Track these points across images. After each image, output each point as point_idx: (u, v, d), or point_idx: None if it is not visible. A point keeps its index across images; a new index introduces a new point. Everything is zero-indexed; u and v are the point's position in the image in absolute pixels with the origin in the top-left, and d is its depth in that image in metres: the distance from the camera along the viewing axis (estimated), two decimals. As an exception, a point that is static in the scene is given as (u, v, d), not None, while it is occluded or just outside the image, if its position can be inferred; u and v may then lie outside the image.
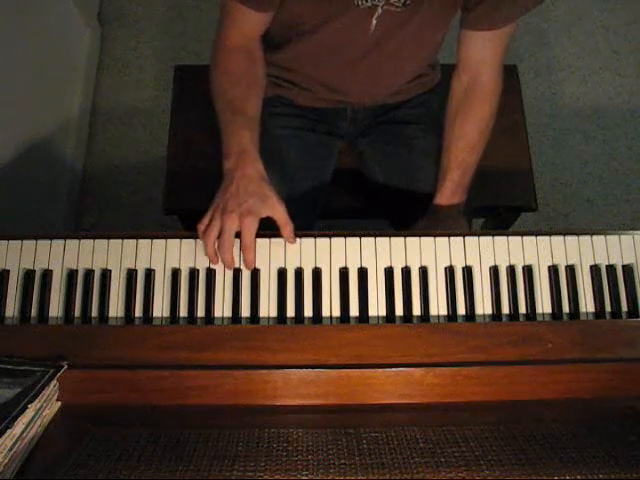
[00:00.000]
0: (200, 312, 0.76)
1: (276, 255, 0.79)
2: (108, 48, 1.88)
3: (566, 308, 0.78)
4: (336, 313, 0.76)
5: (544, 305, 0.78)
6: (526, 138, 1.23)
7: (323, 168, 1.10)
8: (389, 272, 0.78)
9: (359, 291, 0.77)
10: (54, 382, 0.65)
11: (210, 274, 0.77)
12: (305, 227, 0.88)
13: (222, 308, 0.76)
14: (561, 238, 0.80)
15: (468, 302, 0.77)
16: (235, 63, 0.90)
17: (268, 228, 0.78)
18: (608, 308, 0.79)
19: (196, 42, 1.89)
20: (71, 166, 1.65)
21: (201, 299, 0.76)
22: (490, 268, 0.79)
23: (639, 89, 1.89)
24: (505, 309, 0.78)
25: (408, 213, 1.02)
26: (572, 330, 0.73)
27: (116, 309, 0.76)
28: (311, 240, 0.79)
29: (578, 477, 0.54)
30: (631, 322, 0.77)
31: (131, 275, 0.77)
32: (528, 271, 0.79)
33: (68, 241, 0.78)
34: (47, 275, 0.77)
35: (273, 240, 0.79)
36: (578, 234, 0.81)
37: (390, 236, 0.80)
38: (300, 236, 0.79)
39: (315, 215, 1.09)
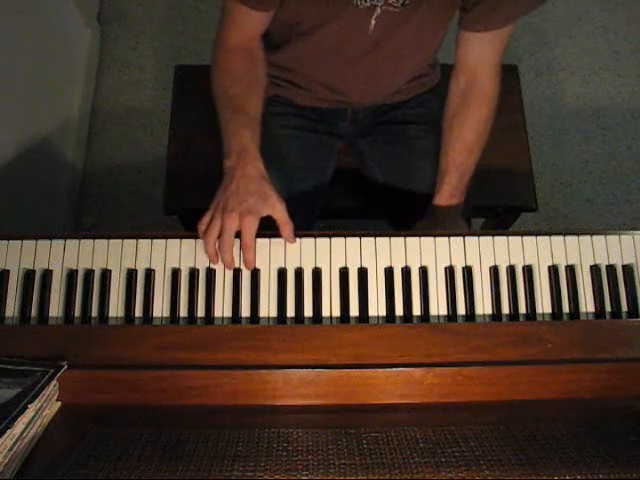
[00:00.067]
0: (200, 312, 0.76)
1: (276, 255, 0.79)
2: (108, 48, 1.88)
3: (566, 308, 0.78)
4: (336, 313, 0.76)
5: (544, 305, 0.78)
6: (526, 138, 1.23)
7: (323, 168, 1.10)
8: (389, 272, 0.78)
9: (359, 291, 0.77)
10: (54, 382, 0.65)
11: (210, 274, 0.77)
12: (305, 227, 0.88)
13: (222, 308, 0.76)
14: (561, 238, 0.80)
15: (468, 302, 0.77)
16: (236, 62, 0.90)
17: (268, 228, 0.78)
18: (608, 308, 0.79)
19: (196, 42, 1.89)
20: (71, 166, 1.65)
21: (201, 299, 0.76)
22: (490, 268, 0.79)
23: (639, 89, 1.89)
24: (505, 309, 0.78)
25: (408, 213, 1.02)
26: (572, 330, 0.73)
27: (116, 309, 0.76)
28: (311, 240, 0.79)
29: (578, 477, 0.54)
30: (631, 322, 0.77)
31: (131, 275, 0.77)
32: (528, 271, 0.79)
33: (68, 241, 0.78)
34: (47, 275, 0.77)
35: (273, 240, 0.79)
36: (578, 234, 0.81)
37: (390, 236, 0.80)
38: (300, 236, 0.79)
39: (315, 215, 1.09)
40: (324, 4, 0.85)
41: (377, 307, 0.77)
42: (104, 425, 0.63)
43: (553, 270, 0.79)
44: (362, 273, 0.78)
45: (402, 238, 0.80)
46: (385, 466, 0.56)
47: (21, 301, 0.76)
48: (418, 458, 0.57)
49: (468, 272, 0.78)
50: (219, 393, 0.68)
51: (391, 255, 0.79)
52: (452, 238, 0.80)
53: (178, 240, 0.79)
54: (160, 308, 0.76)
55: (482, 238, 0.80)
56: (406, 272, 0.78)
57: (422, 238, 0.80)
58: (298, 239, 0.79)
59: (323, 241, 0.79)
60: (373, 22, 0.88)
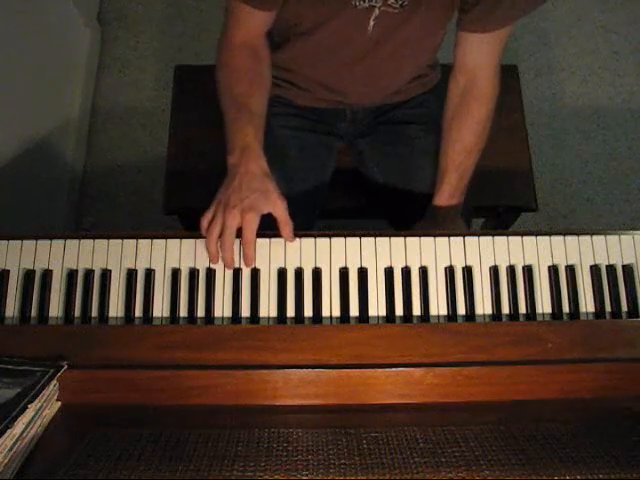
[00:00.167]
0: (200, 312, 0.76)
1: (276, 255, 0.79)
2: (108, 48, 1.88)
3: (566, 308, 0.78)
4: (336, 313, 0.76)
5: (544, 305, 0.78)
6: (526, 138, 1.23)
7: (322, 168, 1.10)
8: (389, 272, 0.78)
9: (359, 291, 0.77)
10: (54, 382, 0.65)
11: (210, 274, 0.77)
12: (305, 227, 0.89)
13: (222, 308, 0.76)
14: (561, 238, 0.80)
15: (468, 302, 0.77)
16: (240, 61, 0.90)
17: (268, 228, 0.78)
18: (608, 308, 0.79)
19: (196, 42, 1.89)
20: (71, 166, 1.65)
21: (201, 299, 0.76)
22: (490, 268, 0.79)
23: (639, 89, 1.89)
24: (505, 309, 0.78)
25: (407, 213, 1.02)
26: (572, 330, 0.73)
27: (116, 309, 0.76)
28: (311, 240, 0.79)
29: (578, 477, 0.54)
30: (631, 322, 0.77)
31: (131, 275, 0.77)
32: (528, 271, 0.79)
33: (68, 241, 0.78)
34: (47, 275, 0.77)
35: (273, 240, 0.79)
36: (578, 234, 0.81)
37: (390, 236, 0.80)
38: (300, 236, 0.79)
39: (314, 215, 1.09)
40: (322, 5, 0.85)
41: (377, 307, 0.77)
42: (104, 425, 0.63)
43: (553, 270, 0.79)
44: (362, 273, 0.78)
45: (402, 238, 0.80)
46: (385, 466, 0.56)
47: (21, 301, 0.76)
48: (418, 458, 0.57)
49: (468, 272, 0.78)
50: (219, 393, 0.68)
51: (391, 255, 0.79)
52: (452, 238, 0.80)
53: (178, 240, 0.79)
54: (160, 308, 0.76)
55: (482, 238, 0.80)
56: (406, 272, 0.78)
57: (422, 238, 0.80)
58: (298, 239, 0.79)
59: (323, 241, 0.79)
60: (372, 23, 0.88)
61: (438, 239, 0.80)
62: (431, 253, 0.79)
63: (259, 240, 0.77)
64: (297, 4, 0.86)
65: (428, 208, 0.98)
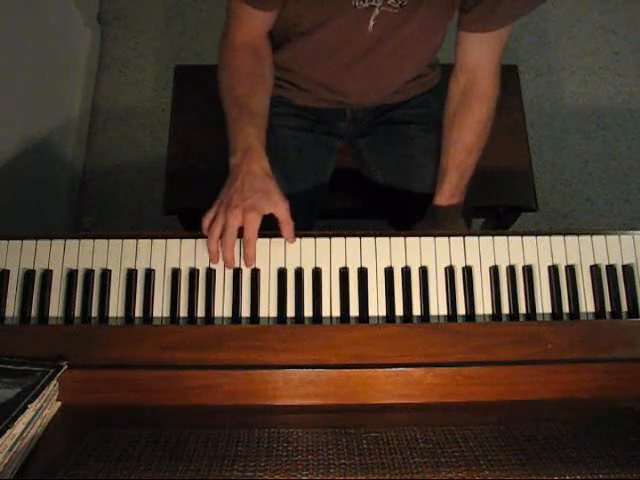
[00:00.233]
0: (200, 312, 0.76)
1: (276, 255, 0.79)
2: (108, 48, 1.88)
3: (566, 308, 0.78)
4: (336, 313, 0.76)
5: (544, 305, 0.78)
6: (526, 138, 1.23)
7: (322, 168, 1.10)
8: (389, 272, 0.78)
9: (359, 291, 0.77)
10: (54, 382, 0.65)
11: (210, 274, 0.77)
12: (305, 227, 0.89)
13: (222, 308, 0.76)
14: (561, 238, 0.80)
15: (468, 302, 0.77)
16: (241, 61, 0.90)
17: (268, 228, 0.78)
18: (608, 308, 0.79)
19: (196, 42, 1.89)
20: (71, 166, 1.65)
21: (201, 299, 0.76)
22: (490, 268, 0.79)
23: (639, 89, 1.89)
24: (505, 309, 0.78)
25: (407, 213, 1.02)
26: (572, 330, 0.73)
27: (116, 309, 0.76)
28: (311, 240, 0.79)
29: (578, 477, 0.54)
30: (631, 322, 0.77)
31: (131, 275, 0.77)
32: (528, 271, 0.79)
33: (68, 241, 0.78)
34: (47, 275, 0.77)
35: (273, 240, 0.79)
36: (578, 234, 0.81)
37: (390, 236, 0.80)
38: (300, 236, 0.79)
39: (314, 215, 1.09)
40: (322, 5, 0.85)
41: (377, 307, 0.77)
42: (104, 425, 0.63)
43: (553, 270, 0.79)
44: (362, 273, 0.78)
45: (402, 238, 0.80)
46: (385, 466, 0.56)
47: (21, 301, 0.76)
48: (418, 458, 0.57)
49: (468, 272, 0.78)
50: (219, 393, 0.68)
51: (391, 255, 0.79)
52: (452, 238, 0.80)
53: (178, 240, 0.79)
54: (160, 308, 0.76)
55: (482, 238, 0.80)
56: (406, 272, 0.78)
57: (422, 238, 0.80)
58: (298, 239, 0.79)
59: (323, 241, 0.79)
60: (372, 23, 0.88)
61: (438, 239, 0.80)
62: (431, 253, 0.79)
63: (259, 240, 0.77)
64: (297, 4, 0.86)
65: (428, 208, 0.98)
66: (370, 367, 0.69)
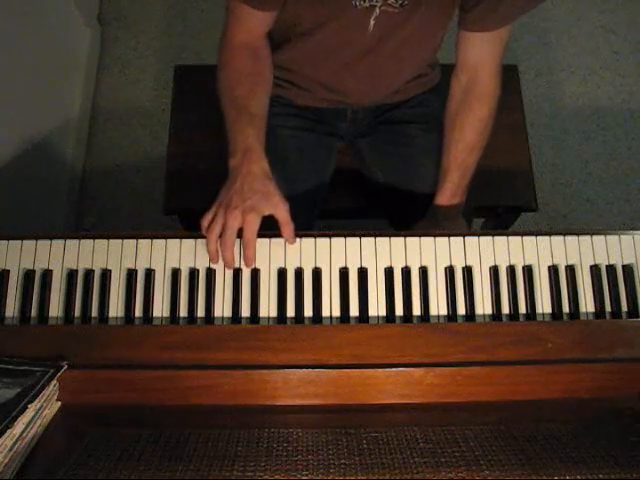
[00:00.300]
0: (200, 312, 0.76)
1: (276, 255, 0.79)
2: (108, 48, 1.88)
3: (566, 308, 0.78)
4: (336, 313, 0.76)
5: (544, 305, 0.78)
6: (526, 138, 1.23)
7: (323, 168, 1.10)
8: (389, 272, 0.78)
9: (359, 291, 0.77)
10: (54, 382, 0.65)
11: (210, 274, 0.77)
12: (305, 227, 0.89)
13: (222, 308, 0.76)
14: (561, 238, 0.80)
15: (468, 302, 0.77)
16: (240, 61, 0.90)
17: (268, 228, 0.78)
18: (608, 308, 0.79)
19: (196, 42, 1.89)
20: (71, 166, 1.65)
21: (201, 299, 0.76)
22: (490, 268, 0.79)
23: (639, 89, 1.89)
24: (505, 309, 0.78)
25: (408, 213, 1.02)
26: (572, 330, 0.73)
27: (116, 309, 0.76)
28: (311, 240, 0.79)
29: (578, 477, 0.54)
30: (631, 322, 0.77)
31: (131, 275, 0.77)
32: (528, 271, 0.79)
33: (68, 241, 0.78)
34: (47, 275, 0.76)
35: (273, 240, 0.79)
36: (578, 234, 0.81)
37: (390, 236, 0.80)
38: (300, 236, 0.79)
39: (314, 215, 1.09)
40: (322, 5, 0.85)
41: (377, 307, 0.77)
42: (104, 425, 0.63)
43: (553, 270, 0.79)
44: (362, 273, 0.78)
45: (402, 238, 0.80)
46: (385, 466, 0.56)
47: (21, 301, 0.76)
48: (418, 458, 0.57)
49: (468, 272, 0.78)
50: (219, 393, 0.68)
51: (391, 255, 0.79)
52: (452, 238, 0.80)
53: (178, 240, 0.79)
54: (160, 308, 0.76)
55: (482, 238, 0.80)
56: (406, 272, 0.78)
57: (422, 238, 0.80)
58: (298, 239, 0.79)
59: (323, 241, 0.79)
60: (372, 23, 0.88)
61: (438, 239, 0.80)
62: (431, 253, 0.79)
63: (259, 240, 0.77)
64: (297, 5, 0.86)
65: (430, 207, 0.98)
66: (370, 367, 0.69)
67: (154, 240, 0.78)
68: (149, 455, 0.57)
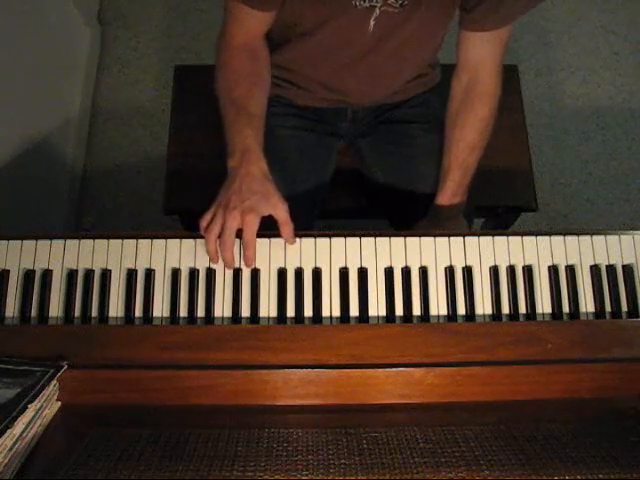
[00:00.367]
0: (200, 312, 0.76)
1: (276, 255, 0.78)
2: (108, 48, 1.88)
3: (566, 308, 0.78)
4: (336, 313, 0.76)
5: (544, 305, 0.78)
6: (526, 138, 1.23)
7: (323, 168, 1.10)
8: (389, 272, 0.78)
9: (359, 291, 0.77)
10: (54, 382, 0.65)
11: (210, 274, 0.77)
12: (305, 227, 0.89)
13: (222, 308, 0.76)
14: (561, 238, 0.80)
15: (468, 302, 0.77)
16: (239, 62, 0.90)
17: (268, 228, 0.78)
18: (608, 308, 0.79)
19: (196, 42, 1.89)
20: (71, 166, 1.65)
21: (201, 299, 0.76)
22: (490, 268, 0.79)
23: (639, 89, 1.89)
24: (505, 309, 0.78)
25: (408, 213, 1.02)
26: (572, 330, 0.73)
27: (116, 309, 0.76)
28: (311, 240, 0.79)
29: (578, 477, 0.54)
30: (631, 322, 0.77)
31: (131, 275, 0.77)
32: (528, 271, 0.79)
33: (68, 241, 0.78)
34: (47, 275, 0.76)
35: (273, 240, 0.79)
36: (578, 234, 0.81)
37: (390, 236, 0.80)
38: (300, 236, 0.79)
39: (314, 215, 1.09)
40: (323, 5, 0.85)
41: (377, 307, 0.77)
42: (104, 425, 0.63)
43: (553, 270, 0.79)
44: (362, 273, 0.78)
45: (402, 238, 0.80)
46: (385, 466, 0.56)
47: (21, 301, 0.76)
48: (418, 458, 0.57)
49: (468, 272, 0.78)
50: (219, 393, 0.68)
51: (391, 255, 0.79)
52: (452, 238, 0.80)
53: (178, 240, 0.79)
54: (160, 308, 0.76)
55: (482, 238, 0.80)
56: (406, 272, 0.78)
57: (422, 238, 0.80)
58: (298, 239, 0.79)
59: (323, 241, 0.79)
60: (372, 23, 0.88)
61: (438, 239, 0.80)
62: (431, 253, 0.79)
63: (259, 240, 0.77)
64: (297, 5, 0.86)
65: (430, 207, 0.98)
66: (370, 367, 0.69)
67: (154, 240, 0.78)
68: (149, 455, 0.57)
